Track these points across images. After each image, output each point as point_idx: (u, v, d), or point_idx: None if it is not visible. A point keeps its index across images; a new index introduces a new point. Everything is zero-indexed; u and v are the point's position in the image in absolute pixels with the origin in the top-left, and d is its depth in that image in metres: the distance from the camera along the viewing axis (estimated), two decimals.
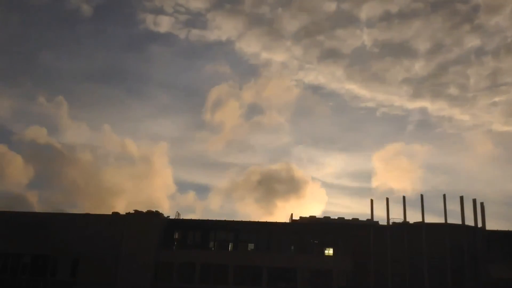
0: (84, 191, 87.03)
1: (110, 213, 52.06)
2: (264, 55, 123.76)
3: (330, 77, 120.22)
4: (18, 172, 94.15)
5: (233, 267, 47.91)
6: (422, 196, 47.41)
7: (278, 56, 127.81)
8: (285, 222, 51.38)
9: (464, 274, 44.74)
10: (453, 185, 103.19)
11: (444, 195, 47.37)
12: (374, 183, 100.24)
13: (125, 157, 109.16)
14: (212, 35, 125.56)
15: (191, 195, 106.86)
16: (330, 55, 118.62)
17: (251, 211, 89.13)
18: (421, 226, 46.20)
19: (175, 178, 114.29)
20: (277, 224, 50.36)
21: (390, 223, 47.90)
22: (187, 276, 48.09)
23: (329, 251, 48.86)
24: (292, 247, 49.63)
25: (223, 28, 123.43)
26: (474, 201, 48.04)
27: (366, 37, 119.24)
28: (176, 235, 51.18)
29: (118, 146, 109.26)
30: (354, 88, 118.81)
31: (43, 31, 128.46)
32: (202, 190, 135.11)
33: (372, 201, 49.78)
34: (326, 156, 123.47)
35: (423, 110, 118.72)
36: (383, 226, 48.14)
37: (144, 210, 50.60)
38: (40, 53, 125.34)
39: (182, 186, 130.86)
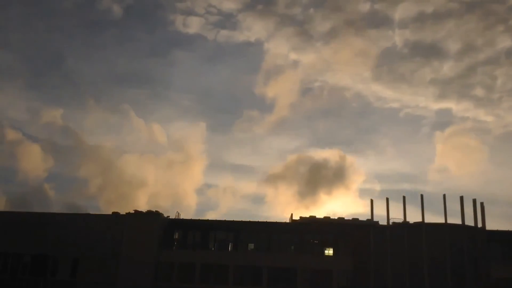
0: (106, 184, 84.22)
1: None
2: (292, 56, 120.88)
3: (357, 78, 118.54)
4: (36, 163, 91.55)
5: (233, 267, 47.95)
6: (422, 196, 47.40)
7: (306, 57, 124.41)
8: (285, 222, 51.44)
9: (464, 274, 44.71)
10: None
11: (444, 195, 47.37)
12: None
13: (152, 145, 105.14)
14: (242, 36, 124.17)
15: (220, 190, 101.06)
16: (359, 56, 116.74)
17: (286, 204, 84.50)
18: (421, 226, 46.19)
19: (204, 172, 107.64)
20: (277, 224, 50.38)
21: (390, 223, 47.91)
22: (187, 276, 48.12)
23: (329, 251, 48.89)
24: (292, 247, 49.67)
25: (253, 29, 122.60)
26: (474, 201, 48.01)
27: (397, 38, 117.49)
28: (176, 235, 51.24)
29: (144, 132, 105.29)
30: (379, 89, 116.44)
31: (70, 35, 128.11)
32: (229, 187, 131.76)
33: (372, 201, 49.86)
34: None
35: (447, 111, 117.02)
36: (383, 226, 48.14)
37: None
38: (65, 56, 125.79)
39: (208, 184, 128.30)
